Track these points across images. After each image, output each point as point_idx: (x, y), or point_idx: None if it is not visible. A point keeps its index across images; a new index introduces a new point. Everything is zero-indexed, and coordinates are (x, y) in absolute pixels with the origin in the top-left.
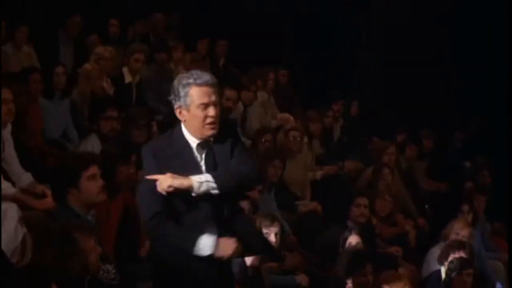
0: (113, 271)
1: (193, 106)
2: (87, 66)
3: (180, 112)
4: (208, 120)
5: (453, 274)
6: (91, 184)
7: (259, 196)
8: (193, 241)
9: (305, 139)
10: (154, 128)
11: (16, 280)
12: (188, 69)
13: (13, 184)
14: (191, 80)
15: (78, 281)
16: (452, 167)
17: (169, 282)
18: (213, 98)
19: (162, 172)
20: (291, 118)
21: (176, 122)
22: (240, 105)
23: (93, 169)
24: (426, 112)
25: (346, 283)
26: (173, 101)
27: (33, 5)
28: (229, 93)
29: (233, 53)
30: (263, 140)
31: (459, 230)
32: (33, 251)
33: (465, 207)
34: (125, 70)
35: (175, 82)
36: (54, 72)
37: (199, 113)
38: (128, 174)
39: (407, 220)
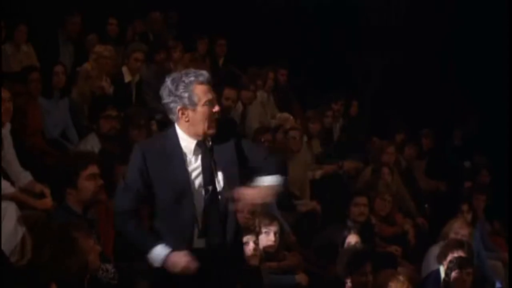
0: (113, 270)
1: (200, 104)
2: (87, 65)
3: (183, 113)
4: (214, 117)
5: (453, 274)
6: (90, 183)
7: None
8: (147, 249)
9: (305, 139)
10: (154, 127)
11: (15, 279)
12: (187, 68)
13: (12, 183)
14: (192, 78)
15: (78, 280)
16: (452, 166)
17: (167, 281)
18: (214, 94)
19: (146, 172)
20: (291, 117)
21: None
22: (239, 105)
23: (92, 168)
24: (426, 112)
25: (346, 283)
26: (171, 103)
27: (32, 4)
28: (229, 92)
29: (233, 52)
30: (262, 139)
31: (459, 230)
32: (32, 250)
33: (465, 207)
34: (124, 69)
35: (172, 83)
36: (53, 71)
37: (206, 110)
38: None
39: (406, 219)
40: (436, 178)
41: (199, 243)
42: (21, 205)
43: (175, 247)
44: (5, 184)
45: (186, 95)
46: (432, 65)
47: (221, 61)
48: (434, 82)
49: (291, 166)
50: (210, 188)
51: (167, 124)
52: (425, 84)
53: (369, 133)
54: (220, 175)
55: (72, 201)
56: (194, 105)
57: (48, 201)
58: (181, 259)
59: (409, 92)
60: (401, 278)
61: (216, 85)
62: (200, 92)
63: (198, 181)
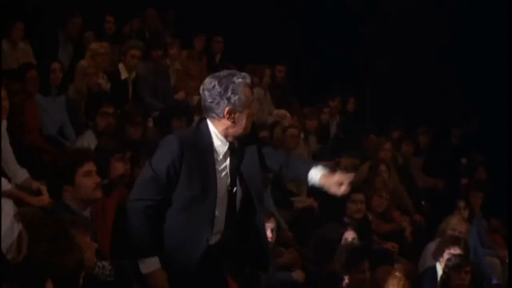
0: (109, 267)
1: (247, 105)
2: (83, 62)
3: (230, 114)
4: (252, 118)
5: (451, 272)
6: (86, 180)
7: None
8: (144, 254)
9: (301, 135)
10: (150, 124)
11: (11, 276)
12: (184, 65)
13: (9, 180)
14: (241, 80)
15: (74, 278)
16: (448, 163)
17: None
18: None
19: (179, 165)
20: (288, 114)
21: (195, 121)
22: None
23: (89, 165)
24: (423, 109)
25: (343, 279)
26: (218, 104)
27: (30, 1)
28: None
29: (230, 49)
30: (259, 136)
31: (456, 226)
32: (29, 247)
33: (461, 203)
34: (121, 66)
35: (219, 84)
36: (50, 68)
37: (250, 112)
38: (123, 170)
39: (403, 216)
40: (433, 175)
41: (213, 239)
42: (18, 202)
43: (191, 244)
44: (2, 181)
45: (236, 97)
46: (430, 62)
47: (217, 58)
48: (432, 79)
49: None
50: (235, 189)
51: (163, 121)
52: (422, 81)
53: (366, 130)
54: (245, 177)
55: (69, 198)
56: (242, 106)
57: (45, 198)
58: (160, 282)
59: (407, 89)
60: (397, 274)
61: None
62: (248, 94)
63: (223, 181)
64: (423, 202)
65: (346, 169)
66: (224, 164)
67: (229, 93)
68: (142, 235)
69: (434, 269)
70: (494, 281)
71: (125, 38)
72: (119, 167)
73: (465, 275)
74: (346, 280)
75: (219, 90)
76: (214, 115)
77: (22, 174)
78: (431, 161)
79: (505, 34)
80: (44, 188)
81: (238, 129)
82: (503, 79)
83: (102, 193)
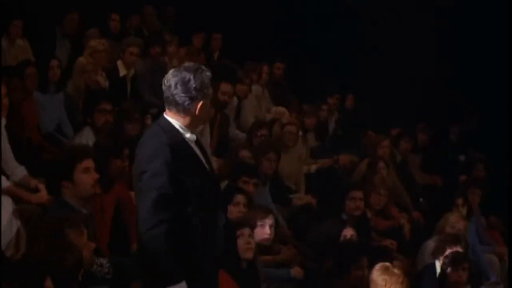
0: (107, 264)
1: (210, 97)
2: (82, 59)
3: (200, 107)
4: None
5: (449, 269)
6: (85, 176)
7: (254, 190)
8: (173, 281)
9: (300, 133)
10: (149, 121)
11: (10, 273)
12: (182, 62)
13: (8, 178)
14: (208, 74)
15: (73, 275)
16: (447, 160)
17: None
18: None
19: (175, 169)
20: (286, 111)
21: (154, 122)
22: (234, 99)
23: (88, 162)
24: (421, 106)
25: (342, 277)
26: (191, 98)
27: None
28: (225, 87)
29: (228, 46)
30: (259, 134)
31: (454, 224)
32: (28, 244)
33: (460, 201)
34: (119, 63)
35: (195, 80)
36: (48, 66)
37: (210, 101)
38: (122, 167)
39: (401, 213)
40: (432, 172)
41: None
42: (16, 199)
43: (213, 237)
44: (1, 178)
45: (206, 91)
46: (429, 59)
47: (216, 55)
48: (431, 76)
49: (286, 160)
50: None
51: None
52: (421, 78)
53: (364, 127)
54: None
55: (68, 195)
56: (207, 99)
57: (43, 196)
58: None
59: (405, 86)
60: (396, 271)
61: (212, 79)
62: (210, 86)
63: (208, 169)
64: (421, 199)
65: (344, 166)
66: (199, 153)
67: (204, 88)
68: (171, 261)
69: (433, 266)
70: (492, 278)
71: (123, 35)
72: (117, 164)
73: (463, 272)
74: (345, 277)
75: (194, 85)
76: (181, 108)
77: (20, 172)
78: (430, 159)
79: (505, 32)
80: (42, 186)
81: (203, 120)
82: (502, 76)
83: (101, 190)
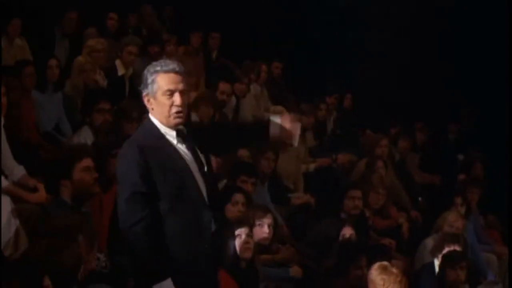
0: (104, 259)
1: (159, 93)
2: (80, 58)
3: (148, 100)
4: (174, 109)
5: (447, 268)
6: (84, 175)
7: (253, 189)
8: (158, 279)
9: None
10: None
11: (9, 272)
12: (181, 61)
13: (6, 177)
14: (158, 68)
15: (72, 274)
16: (445, 159)
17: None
18: (180, 86)
19: (147, 168)
20: (284, 111)
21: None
22: (232, 98)
23: (87, 161)
24: (420, 105)
25: (340, 276)
26: (142, 90)
27: None
28: (224, 86)
29: (226, 45)
30: None
31: (453, 222)
32: (26, 243)
33: (458, 199)
34: (118, 62)
35: (145, 71)
36: (47, 65)
37: (165, 101)
38: None
39: (400, 212)
40: (430, 171)
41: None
42: (15, 199)
43: (198, 236)
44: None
45: (149, 82)
46: (427, 58)
47: (214, 54)
48: (429, 75)
49: (285, 159)
50: (206, 169)
51: None
52: (420, 77)
53: (363, 126)
54: (203, 158)
55: (66, 194)
56: (154, 93)
57: (42, 195)
58: None
59: (404, 85)
60: (394, 270)
61: (210, 78)
62: (162, 81)
63: (195, 167)
64: (420, 199)
65: (343, 166)
66: (184, 149)
67: (145, 80)
68: (152, 259)
69: (432, 265)
70: (491, 277)
71: (122, 34)
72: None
73: (461, 271)
74: (344, 276)
75: (142, 78)
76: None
77: (19, 171)
78: (428, 158)
79: (503, 30)
80: (41, 185)
81: (162, 118)
82: (501, 75)
83: (100, 189)
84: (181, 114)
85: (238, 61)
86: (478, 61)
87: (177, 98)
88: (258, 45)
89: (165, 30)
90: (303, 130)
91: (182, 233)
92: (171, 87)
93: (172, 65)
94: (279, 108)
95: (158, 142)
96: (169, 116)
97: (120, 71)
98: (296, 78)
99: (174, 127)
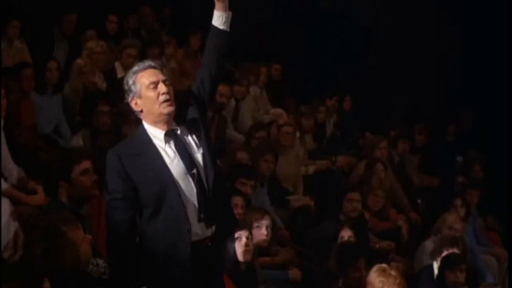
0: (103, 265)
1: (143, 89)
2: (80, 61)
3: (136, 103)
4: (162, 98)
5: (446, 270)
6: (84, 178)
7: (252, 191)
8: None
9: (298, 134)
10: None
11: (8, 275)
12: (180, 63)
13: (5, 179)
14: (135, 68)
15: (71, 276)
16: (445, 161)
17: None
18: (161, 76)
19: (126, 175)
20: (284, 113)
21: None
22: (232, 100)
23: (86, 164)
24: (419, 107)
25: (339, 278)
26: (128, 97)
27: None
28: (223, 88)
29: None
30: (257, 136)
31: (452, 224)
32: (25, 246)
33: (458, 201)
34: (117, 65)
35: (124, 81)
36: (46, 67)
37: (151, 93)
38: None
39: (399, 214)
40: (429, 173)
41: (198, 227)
42: (13, 201)
43: (176, 243)
44: None
45: (131, 84)
46: (426, 60)
47: None
48: (428, 78)
49: (284, 162)
50: (195, 171)
51: None
52: (419, 79)
53: (362, 128)
54: (199, 157)
55: (65, 196)
56: (139, 92)
57: (40, 198)
58: None
59: (403, 87)
60: (393, 273)
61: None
62: (142, 78)
63: (181, 169)
64: (419, 201)
65: (342, 168)
66: (171, 151)
67: (128, 86)
68: (127, 264)
69: (431, 267)
70: (490, 279)
71: (122, 37)
72: None
73: (460, 273)
74: (343, 279)
75: (124, 87)
76: (136, 112)
77: (17, 173)
78: (427, 160)
79: (504, 32)
80: (39, 187)
81: (154, 113)
82: (500, 77)
83: (99, 191)
84: (170, 102)
85: (237, 63)
86: (478, 63)
87: (161, 87)
88: (258, 47)
89: (165, 32)
90: (303, 132)
91: (160, 241)
92: (153, 79)
93: (148, 62)
94: (279, 110)
95: (143, 148)
96: (159, 108)
97: (120, 74)
98: (295, 80)
99: (167, 116)
